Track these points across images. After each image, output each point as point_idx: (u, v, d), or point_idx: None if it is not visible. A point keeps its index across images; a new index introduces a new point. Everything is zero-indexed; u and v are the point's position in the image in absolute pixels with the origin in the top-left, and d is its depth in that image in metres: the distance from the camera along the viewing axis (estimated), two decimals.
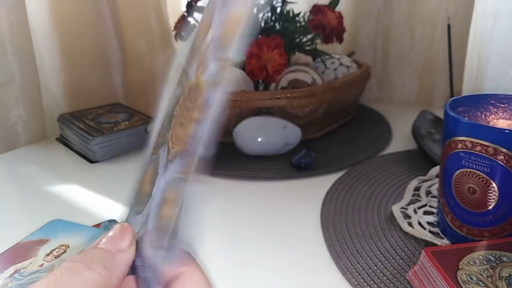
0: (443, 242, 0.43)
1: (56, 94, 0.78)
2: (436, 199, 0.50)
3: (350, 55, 0.82)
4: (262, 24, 0.72)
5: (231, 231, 0.49)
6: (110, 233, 0.23)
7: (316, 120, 0.68)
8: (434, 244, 0.43)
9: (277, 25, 0.73)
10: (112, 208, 0.53)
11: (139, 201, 0.25)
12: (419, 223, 0.46)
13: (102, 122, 0.70)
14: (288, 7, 0.73)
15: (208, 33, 0.24)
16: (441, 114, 0.46)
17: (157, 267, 0.22)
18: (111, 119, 0.72)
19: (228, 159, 0.63)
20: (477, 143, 0.37)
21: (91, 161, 0.66)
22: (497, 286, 0.31)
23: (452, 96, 0.62)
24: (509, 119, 0.42)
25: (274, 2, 0.72)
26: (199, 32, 0.26)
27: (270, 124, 0.64)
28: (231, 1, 0.23)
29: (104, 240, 0.23)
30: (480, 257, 0.34)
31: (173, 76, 0.29)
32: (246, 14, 0.21)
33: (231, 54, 0.21)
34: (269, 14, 0.72)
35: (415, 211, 0.49)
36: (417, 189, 0.53)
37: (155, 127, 0.28)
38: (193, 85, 0.23)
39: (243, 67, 0.67)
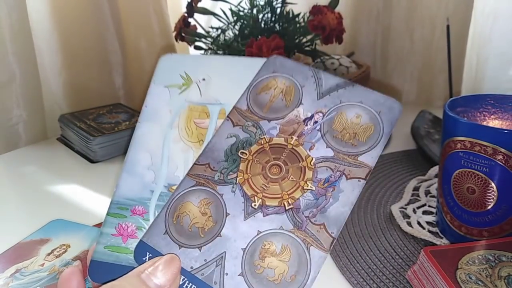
0: (442, 241, 0.43)
1: (57, 94, 0.78)
2: (435, 199, 0.50)
3: (349, 55, 0.82)
4: (262, 25, 0.72)
5: None
6: (158, 262, 0.23)
7: None
8: (433, 244, 0.43)
9: (277, 25, 0.73)
10: None
11: (188, 234, 0.25)
12: (418, 223, 0.46)
13: (102, 122, 0.70)
14: (288, 7, 0.74)
15: (298, 106, 0.28)
16: (440, 114, 0.47)
17: None
18: (111, 119, 0.72)
19: None
20: (476, 143, 0.37)
21: (91, 161, 0.66)
22: (496, 285, 0.32)
23: (451, 96, 0.63)
24: (508, 119, 0.42)
25: (274, 3, 0.72)
26: (275, 94, 0.29)
27: None
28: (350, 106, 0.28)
29: (149, 270, 0.23)
30: (479, 256, 0.34)
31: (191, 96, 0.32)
32: (375, 128, 0.27)
33: (360, 157, 0.26)
34: (269, 14, 0.72)
35: (414, 211, 0.49)
36: (416, 189, 0.54)
37: (181, 150, 0.30)
38: (279, 145, 0.27)
39: None
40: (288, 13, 0.73)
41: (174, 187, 0.29)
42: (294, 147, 0.27)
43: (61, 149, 0.72)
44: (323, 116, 0.28)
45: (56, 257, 0.42)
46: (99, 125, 0.69)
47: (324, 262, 0.24)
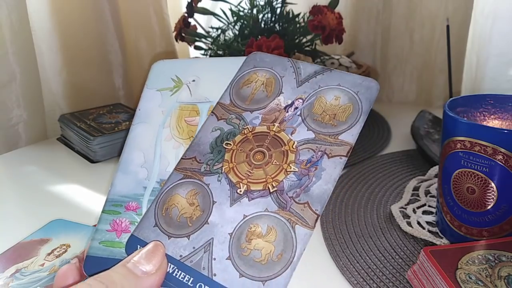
0: (442, 241, 0.43)
1: (57, 94, 0.78)
2: (435, 199, 0.50)
3: (349, 55, 0.83)
4: (262, 25, 0.72)
5: None
6: (142, 251, 0.24)
7: None
8: (433, 244, 0.43)
9: (277, 25, 0.73)
10: None
11: (176, 225, 0.26)
12: (418, 223, 0.46)
13: (103, 122, 0.70)
14: (288, 7, 0.74)
15: (278, 95, 0.30)
16: (440, 114, 0.47)
17: None
18: (112, 119, 0.72)
19: None
20: (476, 143, 0.37)
21: (92, 161, 0.66)
22: (496, 285, 0.32)
23: (451, 96, 0.63)
24: (507, 119, 0.42)
25: (274, 3, 0.72)
26: (256, 86, 0.31)
27: None
28: (329, 88, 0.29)
29: (134, 259, 0.23)
30: (479, 256, 0.34)
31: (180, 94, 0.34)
32: (354, 106, 0.28)
33: (342, 136, 0.27)
34: (269, 14, 0.72)
35: (414, 211, 0.49)
36: (416, 189, 0.54)
37: (173, 147, 0.32)
38: (262, 133, 0.29)
39: None
40: (288, 13, 0.73)
41: None
42: (276, 133, 0.28)
43: (61, 149, 0.72)
44: (303, 101, 0.29)
45: (56, 257, 0.42)
46: (99, 125, 0.69)
47: (309, 239, 0.24)
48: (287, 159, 0.27)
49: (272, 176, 0.27)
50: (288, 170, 0.27)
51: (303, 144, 0.28)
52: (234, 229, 0.25)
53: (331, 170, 0.26)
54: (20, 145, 0.73)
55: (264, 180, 0.27)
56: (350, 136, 0.27)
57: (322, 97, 0.29)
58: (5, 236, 0.46)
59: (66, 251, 0.43)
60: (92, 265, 0.28)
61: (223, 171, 0.28)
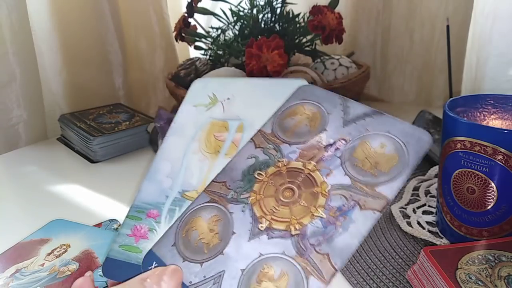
0: (442, 241, 0.43)
1: (57, 94, 0.78)
2: (435, 199, 0.50)
3: (349, 55, 0.82)
4: (262, 25, 0.72)
5: None
6: (163, 273, 0.24)
7: None
8: (433, 244, 0.43)
9: (277, 25, 0.73)
10: (113, 208, 0.53)
11: (193, 249, 0.26)
12: (418, 223, 0.46)
13: (102, 122, 0.70)
14: (288, 7, 0.74)
15: (321, 132, 0.28)
16: (440, 114, 0.47)
17: None
18: (111, 119, 0.72)
19: None
20: (476, 143, 0.37)
21: (92, 161, 0.66)
22: (496, 285, 0.32)
23: (451, 96, 0.63)
24: (507, 119, 0.42)
25: (274, 3, 0.72)
26: (300, 120, 0.30)
27: None
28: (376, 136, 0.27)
29: (152, 278, 0.23)
30: (479, 256, 0.34)
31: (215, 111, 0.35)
32: (399, 158, 0.26)
33: (379, 188, 0.25)
34: (269, 14, 0.72)
35: (414, 211, 0.49)
36: (416, 189, 0.54)
37: (199, 160, 0.32)
38: (296, 169, 0.27)
39: (243, 67, 0.67)
40: (288, 13, 0.73)
41: (187, 193, 0.31)
42: (310, 172, 0.27)
43: (61, 149, 0.72)
44: (346, 143, 0.28)
45: (56, 257, 0.42)
46: (99, 125, 0.69)
47: None
48: (316, 202, 0.26)
49: (297, 217, 0.25)
50: (315, 214, 0.25)
51: (337, 189, 0.26)
52: (247, 266, 0.24)
53: (361, 224, 0.24)
54: (20, 145, 0.73)
55: (288, 220, 0.26)
56: (389, 190, 0.25)
57: (366, 142, 0.27)
58: (5, 236, 0.46)
59: (66, 251, 0.43)
60: (110, 267, 0.28)
61: (249, 202, 0.27)
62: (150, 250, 0.27)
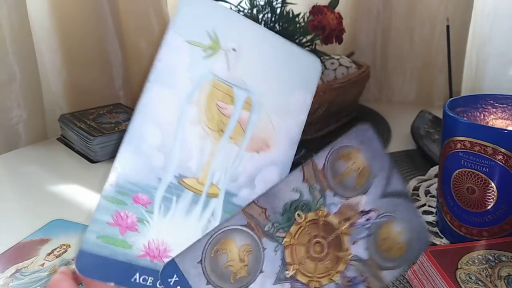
0: (442, 241, 0.43)
1: (57, 94, 0.78)
2: (435, 199, 0.50)
3: (349, 55, 0.83)
4: (262, 25, 0.72)
5: None
6: None
7: (316, 120, 0.69)
8: (433, 244, 0.43)
9: (277, 25, 0.73)
10: None
11: (220, 273, 0.24)
12: None
13: (103, 122, 0.70)
14: (288, 7, 0.74)
15: (363, 194, 0.27)
16: (440, 114, 0.47)
17: None
18: (112, 119, 0.72)
19: None
20: (476, 143, 0.37)
21: (92, 161, 0.66)
22: (496, 285, 0.32)
23: (451, 96, 0.63)
24: (507, 119, 0.42)
25: (274, 3, 0.72)
26: (351, 169, 0.28)
27: None
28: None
29: None
30: (479, 256, 0.34)
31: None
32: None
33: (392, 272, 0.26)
34: (269, 14, 0.72)
35: None
36: (416, 189, 0.54)
37: (199, 136, 0.26)
38: (331, 226, 0.26)
39: None
40: (288, 13, 0.73)
41: (186, 180, 0.25)
42: (341, 234, 0.26)
43: (61, 149, 0.72)
44: (377, 216, 0.27)
45: (56, 257, 0.42)
46: (99, 125, 0.69)
47: None
48: (337, 267, 0.26)
49: (318, 276, 0.25)
50: (333, 278, 0.25)
51: (355, 260, 0.26)
52: None
53: None
54: (20, 145, 0.73)
55: (311, 276, 0.25)
56: (390, 277, 0.26)
57: (392, 223, 0.27)
58: (5, 236, 0.46)
59: (66, 251, 0.43)
60: (87, 263, 0.22)
61: (283, 243, 0.25)
62: (173, 260, 0.23)
